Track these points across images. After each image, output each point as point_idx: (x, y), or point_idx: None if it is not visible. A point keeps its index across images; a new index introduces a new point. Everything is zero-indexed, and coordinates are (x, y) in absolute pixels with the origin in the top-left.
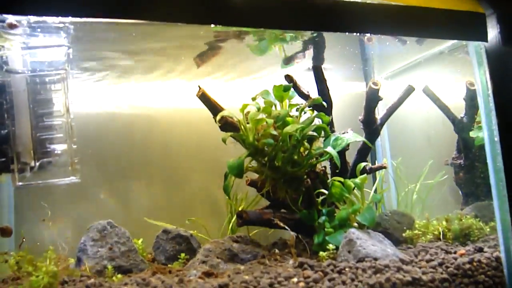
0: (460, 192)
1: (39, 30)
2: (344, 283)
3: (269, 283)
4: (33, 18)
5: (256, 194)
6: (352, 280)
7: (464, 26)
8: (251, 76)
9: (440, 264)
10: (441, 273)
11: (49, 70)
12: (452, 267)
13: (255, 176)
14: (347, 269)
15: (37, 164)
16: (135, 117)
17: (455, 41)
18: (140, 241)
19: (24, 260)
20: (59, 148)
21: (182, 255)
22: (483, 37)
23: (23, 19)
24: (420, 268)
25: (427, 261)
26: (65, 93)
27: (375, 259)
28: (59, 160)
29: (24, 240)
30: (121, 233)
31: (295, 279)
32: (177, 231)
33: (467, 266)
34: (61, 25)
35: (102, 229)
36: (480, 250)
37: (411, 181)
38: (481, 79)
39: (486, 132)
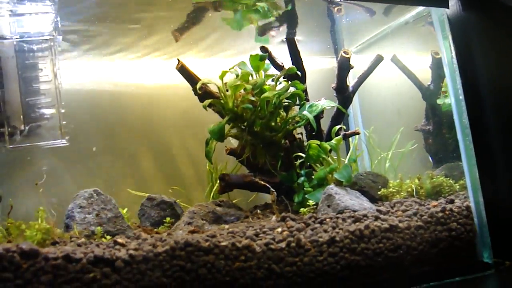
0: (430, 158)
1: None
2: (325, 231)
3: (255, 233)
4: None
5: (235, 164)
6: (333, 228)
7: None
8: (227, 52)
9: (415, 214)
10: (416, 221)
11: (36, 37)
12: (426, 215)
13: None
14: (327, 219)
15: (27, 128)
16: (118, 93)
17: (419, 10)
18: (125, 211)
19: (13, 226)
20: (47, 112)
21: (168, 219)
22: (445, 4)
23: None
24: (396, 217)
25: (403, 211)
26: (53, 59)
27: (354, 211)
28: (48, 124)
29: (12, 208)
30: (107, 200)
31: (279, 229)
32: (161, 197)
33: (440, 214)
34: None
35: (88, 196)
36: (451, 201)
37: (383, 149)
38: (444, 44)
39: (451, 91)
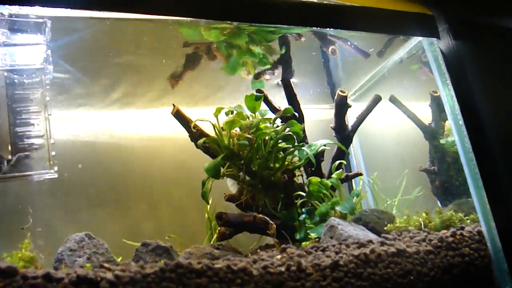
0: (438, 201)
1: (18, 29)
2: (328, 256)
3: (253, 260)
4: (12, 13)
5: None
6: (337, 253)
7: (419, 25)
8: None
9: (423, 240)
10: (425, 246)
11: (27, 67)
12: (435, 240)
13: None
14: (330, 247)
15: (14, 158)
16: (110, 145)
17: (412, 45)
18: (119, 259)
19: None
20: (36, 142)
21: (162, 261)
22: (435, 34)
23: (3, 10)
24: (404, 242)
25: (411, 238)
26: (43, 89)
27: (358, 239)
28: (37, 154)
29: None
30: (99, 244)
31: (278, 256)
32: (156, 242)
33: (450, 239)
34: (40, 20)
35: (80, 240)
36: (462, 228)
37: (388, 195)
38: (439, 73)
39: (450, 117)
